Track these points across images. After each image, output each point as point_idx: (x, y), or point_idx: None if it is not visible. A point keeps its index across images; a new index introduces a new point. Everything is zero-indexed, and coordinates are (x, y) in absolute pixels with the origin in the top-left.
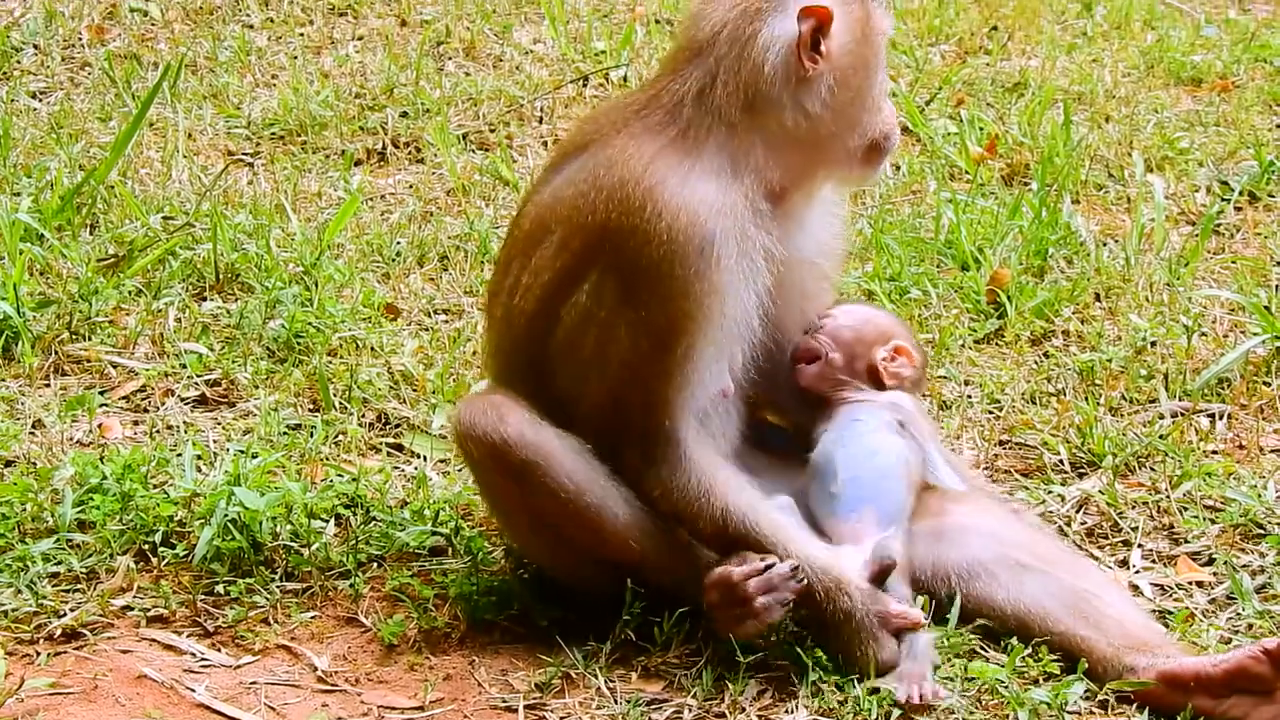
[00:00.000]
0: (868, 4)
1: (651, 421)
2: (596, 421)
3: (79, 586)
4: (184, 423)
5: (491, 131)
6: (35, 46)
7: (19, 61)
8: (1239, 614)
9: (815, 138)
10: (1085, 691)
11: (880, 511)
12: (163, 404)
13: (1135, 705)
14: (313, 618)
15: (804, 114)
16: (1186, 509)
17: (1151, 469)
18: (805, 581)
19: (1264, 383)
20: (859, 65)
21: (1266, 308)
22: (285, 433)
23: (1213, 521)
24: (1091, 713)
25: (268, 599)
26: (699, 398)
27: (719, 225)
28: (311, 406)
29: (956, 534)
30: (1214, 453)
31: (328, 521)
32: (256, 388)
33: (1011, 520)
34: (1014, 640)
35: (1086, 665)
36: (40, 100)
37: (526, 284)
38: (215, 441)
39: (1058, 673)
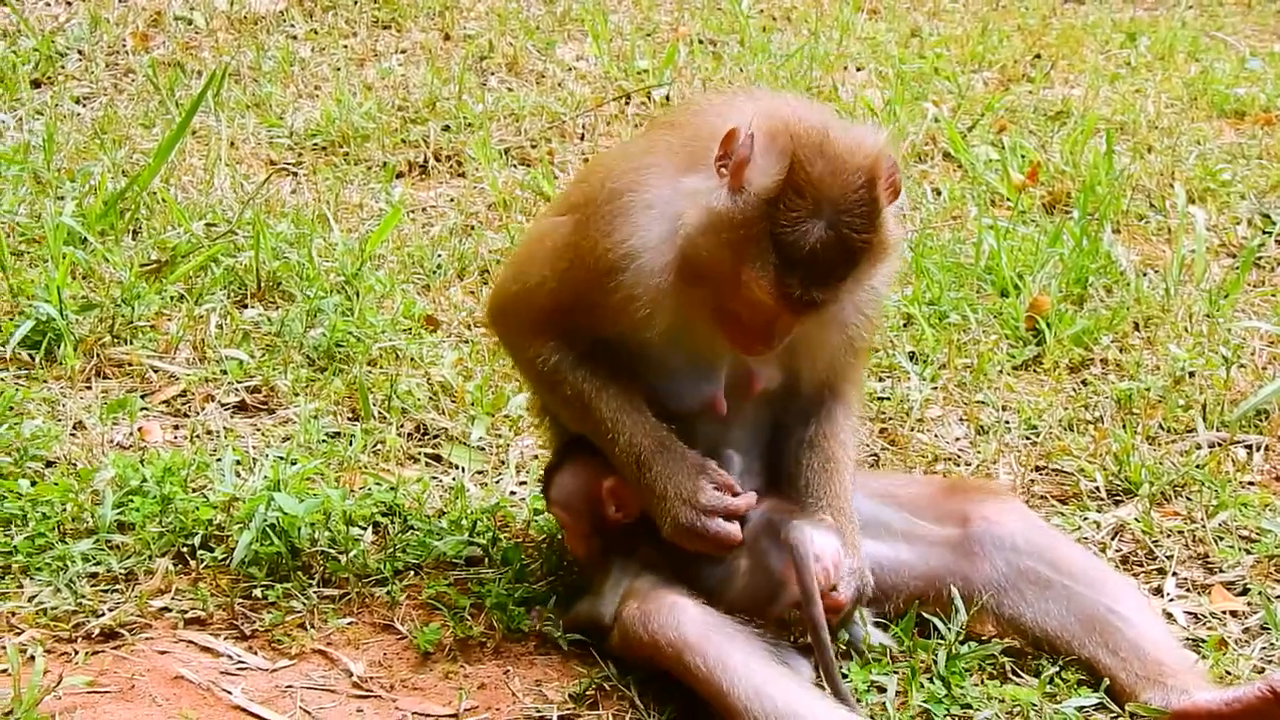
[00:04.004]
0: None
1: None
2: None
3: (118, 587)
4: (224, 428)
5: (533, 147)
6: (80, 52)
7: (64, 67)
8: (1272, 644)
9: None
10: (1099, 703)
11: None
12: (203, 409)
13: None
14: (349, 624)
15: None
16: (1222, 539)
17: (1187, 498)
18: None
19: None
20: (728, 241)
21: None
22: (324, 440)
23: (1248, 552)
24: None
25: (305, 604)
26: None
27: (642, 260)
28: (351, 415)
29: (981, 547)
30: (1250, 484)
31: (365, 529)
32: (296, 395)
33: (1031, 522)
34: (1043, 660)
35: (1108, 684)
36: (84, 106)
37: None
38: (254, 447)
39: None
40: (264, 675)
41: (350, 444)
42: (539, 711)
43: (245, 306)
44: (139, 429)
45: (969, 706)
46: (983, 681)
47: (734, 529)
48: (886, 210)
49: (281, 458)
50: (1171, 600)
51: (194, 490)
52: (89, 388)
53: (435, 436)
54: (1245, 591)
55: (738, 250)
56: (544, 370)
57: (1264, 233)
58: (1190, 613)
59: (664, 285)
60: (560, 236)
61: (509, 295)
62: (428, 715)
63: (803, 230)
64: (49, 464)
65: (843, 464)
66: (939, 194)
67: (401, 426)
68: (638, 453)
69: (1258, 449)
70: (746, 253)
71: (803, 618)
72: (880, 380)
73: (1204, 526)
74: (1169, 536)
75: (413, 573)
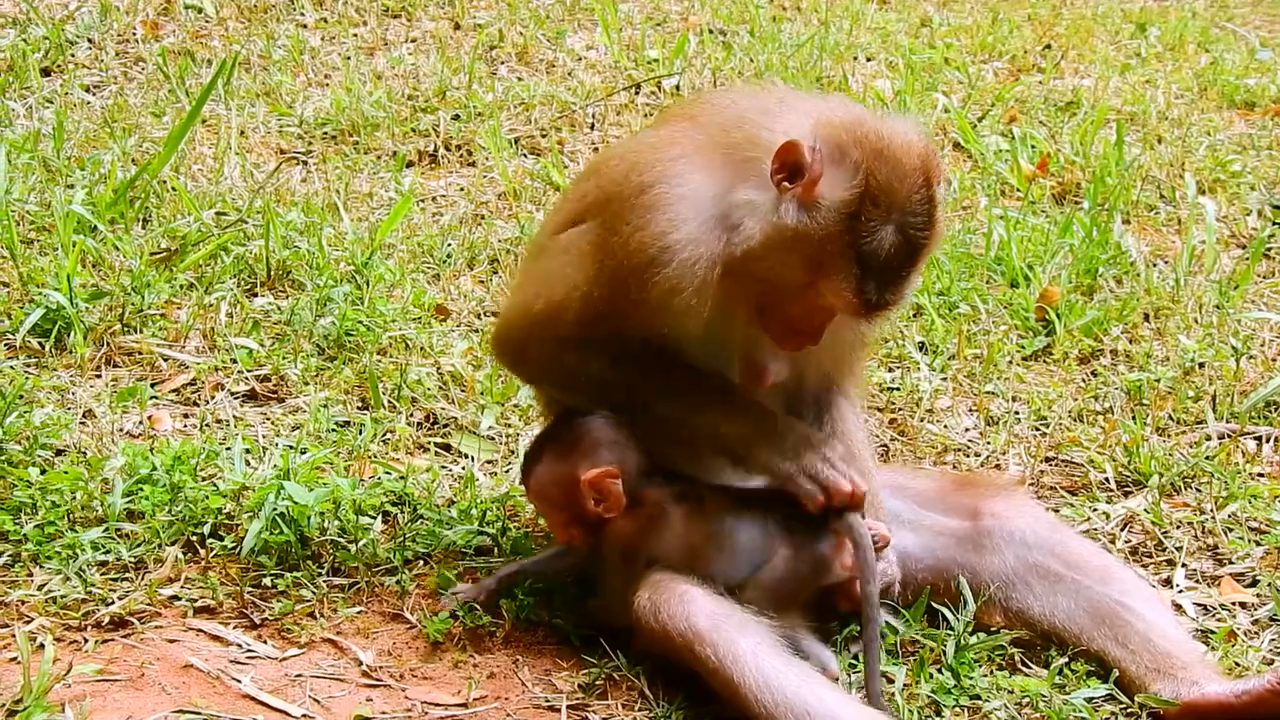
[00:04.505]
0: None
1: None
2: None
3: (127, 575)
4: (234, 417)
5: (543, 137)
6: (90, 40)
7: (74, 55)
8: None
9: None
10: (1108, 694)
11: None
12: (213, 398)
13: None
14: (358, 613)
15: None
16: (1231, 530)
17: (1197, 489)
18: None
19: None
20: (799, 250)
21: None
22: (334, 429)
23: (1257, 543)
24: None
25: (314, 593)
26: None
27: (684, 253)
28: (360, 404)
29: (990, 540)
30: (1260, 475)
31: (375, 518)
32: (306, 384)
33: (1041, 517)
34: (1052, 651)
35: (1118, 676)
36: (94, 94)
37: (549, 215)
38: (264, 436)
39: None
40: (273, 664)
41: (360, 433)
42: (548, 701)
43: (255, 295)
44: (149, 417)
45: (977, 697)
46: (992, 672)
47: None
48: (941, 205)
49: (291, 446)
50: (1181, 591)
51: (204, 479)
52: (99, 376)
53: (445, 426)
54: (1255, 583)
55: (816, 263)
56: (589, 381)
57: (1274, 224)
58: (1200, 604)
59: (705, 279)
60: (587, 242)
61: (534, 313)
62: (437, 704)
63: (879, 238)
64: (59, 452)
65: (866, 461)
66: (949, 184)
67: (411, 416)
68: (733, 408)
69: (1267, 440)
70: (827, 265)
71: (858, 599)
72: (890, 370)
73: (1213, 518)
74: (1178, 528)
75: (422, 562)
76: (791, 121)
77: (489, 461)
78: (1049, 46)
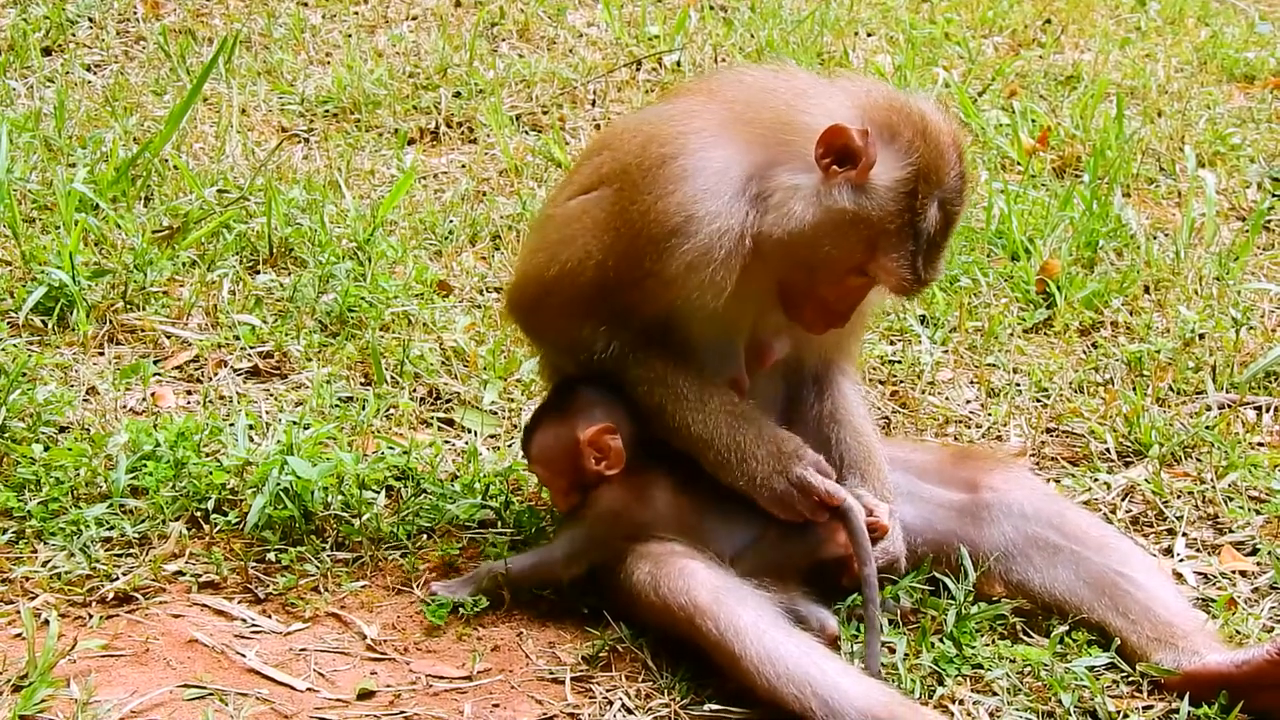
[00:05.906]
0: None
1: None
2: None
3: (131, 551)
4: (236, 393)
5: (544, 113)
6: (90, 20)
7: (74, 34)
8: None
9: (791, 243)
10: (1110, 663)
11: None
12: (215, 374)
13: (1173, 693)
14: (363, 587)
15: (794, 199)
16: (1231, 499)
17: (1197, 459)
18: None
19: None
20: (848, 234)
21: None
22: (337, 405)
23: (1257, 512)
24: (1133, 695)
25: (318, 567)
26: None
27: (712, 225)
28: (363, 380)
29: (989, 512)
30: (1260, 445)
31: (378, 493)
32: (309, 360)
33: (1039, 490)
34: (1053, 620)
35: (1119, 645)
36: (95, 73)
37: (557, 189)
38: (267, 412)
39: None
40: (278, 638)
41: (363, 408)
42: (552, 673)
43: (257, 272)
44: (152, 394)
45: (979, 666)
46: (993, 641)
47: (839, 488)
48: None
49: (294, 422)
50: (1181, 560)
51: (207, 455)
52: (102, 354)
53: (448, 401)
54: (1255, 551)
55: (872, 244)
56: (605, 356)
57: (1274, 195)
58: (1200, 573)
59: (733, 253)
60: (602, 209)
61: (547, 280)
62: (441, 677)
63: (930, 215)
64: (62, 429)
65: (872, 438)
66: None
67: (414, 391)
68: (730, 420)
69: (1267, 410)
70: (883, 245)
71: (857, 579)
72: (891, 344)
73: (1214, 487)
74: (1179, 497)
75: (426, 536)
76: (831, 104)
77: (491, 436)
78: (1049, 21)
